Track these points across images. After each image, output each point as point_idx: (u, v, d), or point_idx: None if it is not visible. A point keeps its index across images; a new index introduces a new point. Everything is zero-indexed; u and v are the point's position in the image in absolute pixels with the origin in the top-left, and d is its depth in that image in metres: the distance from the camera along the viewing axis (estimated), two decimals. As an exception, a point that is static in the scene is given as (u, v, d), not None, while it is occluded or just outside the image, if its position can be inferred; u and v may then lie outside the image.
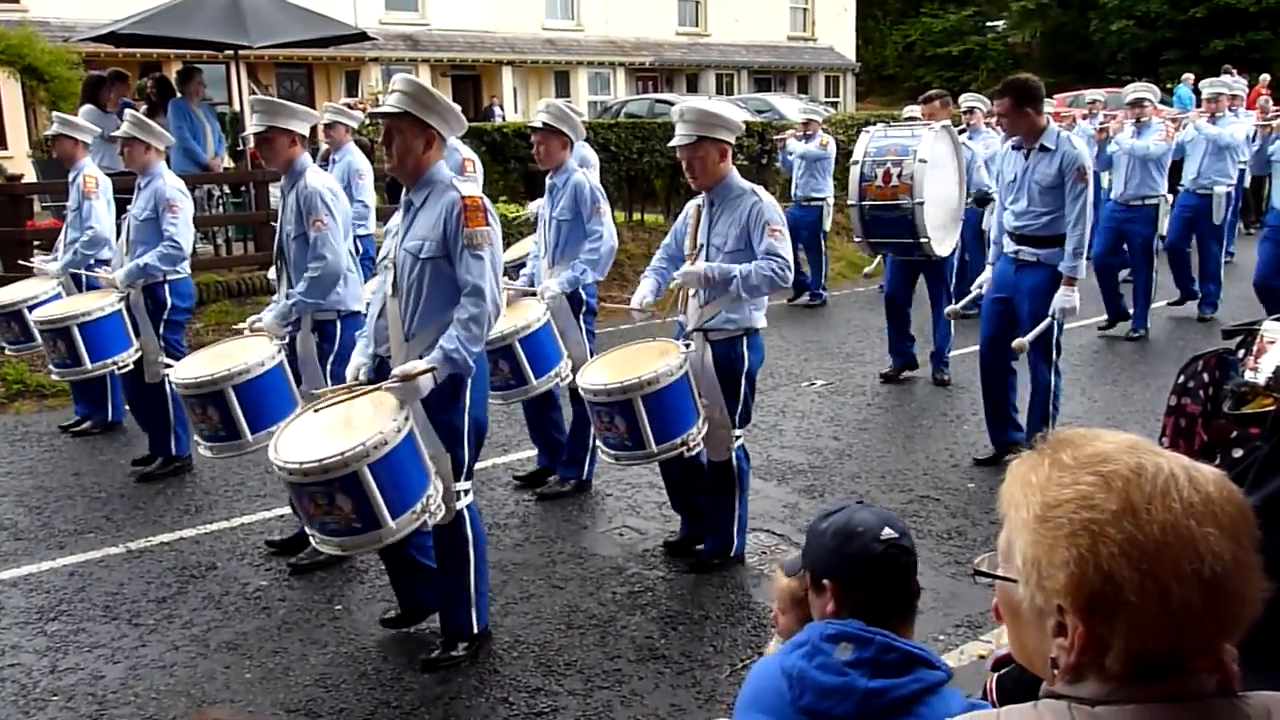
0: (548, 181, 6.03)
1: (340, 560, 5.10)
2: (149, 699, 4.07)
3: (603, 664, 4.25)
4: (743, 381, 4.90)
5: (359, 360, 4.40)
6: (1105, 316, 10.03)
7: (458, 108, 4.21)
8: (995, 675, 1.88)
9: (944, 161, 7.96)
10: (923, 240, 7.78)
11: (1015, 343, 5.97)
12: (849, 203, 8.11)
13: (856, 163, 8.04)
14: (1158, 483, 1.17)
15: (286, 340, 5.20)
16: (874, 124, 9.21)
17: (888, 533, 2.09)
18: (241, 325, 5.40)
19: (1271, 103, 12.43)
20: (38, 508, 6.10)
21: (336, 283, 5.10)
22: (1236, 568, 1.15)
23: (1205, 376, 2.80)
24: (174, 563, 5.32)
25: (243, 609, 4.82)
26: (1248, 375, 2.69)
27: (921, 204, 7.60)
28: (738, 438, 5.01)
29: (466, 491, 4.20)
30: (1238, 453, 2.53)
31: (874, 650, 1.91)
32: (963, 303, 7.09)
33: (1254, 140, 9.74)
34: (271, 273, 5.68)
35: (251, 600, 4.90)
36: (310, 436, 3.91)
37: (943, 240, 7.96)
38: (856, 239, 8.54)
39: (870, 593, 2.09)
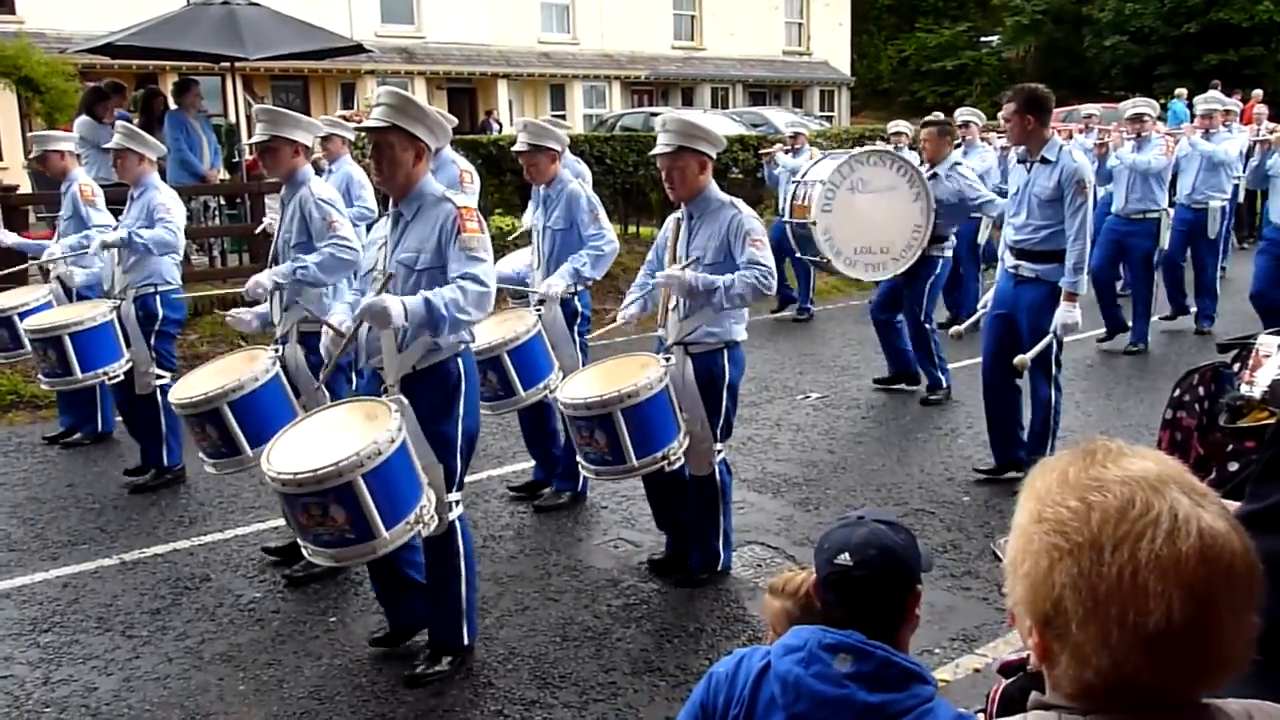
0: (541, 192, 6.03)
1: (335, 572, 5.08)
2: (143, 711, 4.06)
3: (598, 676, 4.24)
4: (724, 394, 4.86)
5: (342, 314, 4.52)
6: (1104, 330, 10.05)
7: (443, 118, 4.22)
8: (1001, 684, 1.87)
9: (879, 188, 7.98)
10: (822, 260, 8.17)
11: (1016, 360, 5.90)
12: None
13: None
14: (1136, 526, 1.14)
15: (280, 353, 5.19)
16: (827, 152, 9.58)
17: (842, 559, 2.09)
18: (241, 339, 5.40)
19: (1268, 118, 12.45)
20: (31, 519, 6.08)
21: (350, 268, 5.07)
22: (1191, 630, 1.12)
23: (1201, 390, 2.81)
24: (168, 574, 5.31)
25: (237, 621, 4.80)
26: (1243, 389, 2.69)
27: (815, 224, 7.93)
28: (719, 451, 4.98)
29: (457, 503, 4.19)
30: (1233, 466, 2.54)
31: (874, 665, 1.91)
32: (967, 323, 7.04)
33: (1251, 155, 9.77)
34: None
35: (245, 612, 4.88)
36: (303, 447, 3.89)
37: (878, 266, 8.07)
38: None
39: (826, 609, 2.12)
